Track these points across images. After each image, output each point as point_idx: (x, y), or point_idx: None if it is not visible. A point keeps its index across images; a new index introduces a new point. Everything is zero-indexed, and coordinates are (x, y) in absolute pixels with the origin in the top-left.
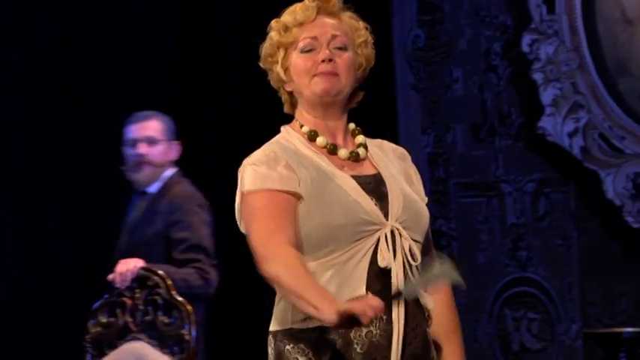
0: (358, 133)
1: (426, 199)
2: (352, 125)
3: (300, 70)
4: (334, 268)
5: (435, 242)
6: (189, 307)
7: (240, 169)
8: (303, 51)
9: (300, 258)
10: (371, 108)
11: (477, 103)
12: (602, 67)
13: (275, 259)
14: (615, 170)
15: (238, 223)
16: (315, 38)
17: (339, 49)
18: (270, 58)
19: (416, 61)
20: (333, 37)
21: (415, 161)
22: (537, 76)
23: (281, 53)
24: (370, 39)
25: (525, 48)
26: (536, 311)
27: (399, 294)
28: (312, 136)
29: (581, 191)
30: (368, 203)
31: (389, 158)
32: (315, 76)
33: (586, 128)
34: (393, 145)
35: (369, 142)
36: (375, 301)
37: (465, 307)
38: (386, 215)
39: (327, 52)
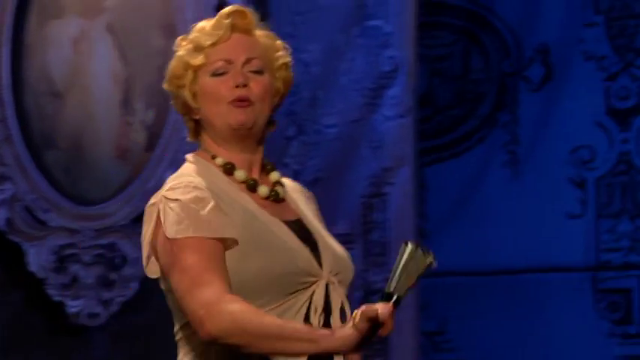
0: (271, 169)
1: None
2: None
3: (211, 97)
4: None
5: None
6: None
7: (159, 203)
8: (215, 74)
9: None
10: None
11: None
12: (28, 139)
13: (225, 311)
14: (39, 243)
15: (145, 265)
16: (229, 61)
17: (255, 72)
18: (176, 80)
19: None
20: (249, 59)
21: None
22: None
23: (189, 75)
24: (290, 61)
25: None
26: None
27: (390, 295)
28: (228, 170)
29: (3, 264)
30: (304, 251)
31: (302, 200)
32: (228, 104)
33: (12, 200)
34: (300, 185)
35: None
36: (383, 307)
37: None
38: (320, 267)
39: (241, 76)
